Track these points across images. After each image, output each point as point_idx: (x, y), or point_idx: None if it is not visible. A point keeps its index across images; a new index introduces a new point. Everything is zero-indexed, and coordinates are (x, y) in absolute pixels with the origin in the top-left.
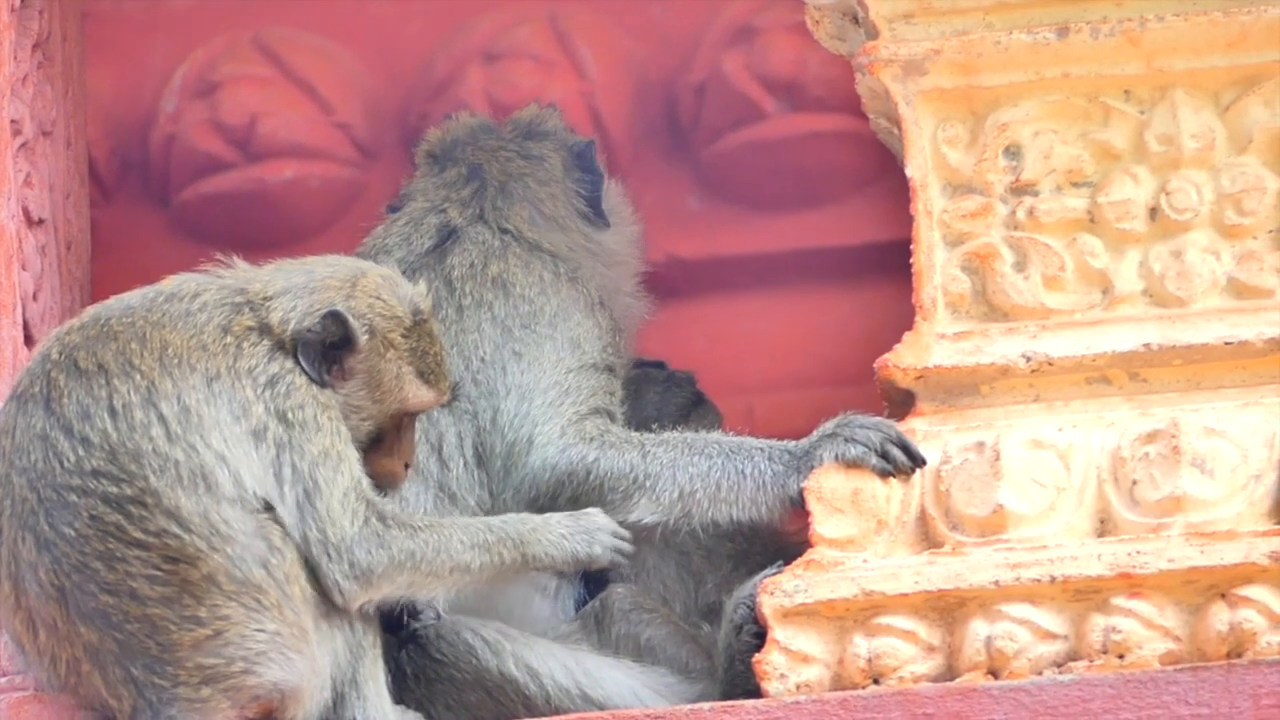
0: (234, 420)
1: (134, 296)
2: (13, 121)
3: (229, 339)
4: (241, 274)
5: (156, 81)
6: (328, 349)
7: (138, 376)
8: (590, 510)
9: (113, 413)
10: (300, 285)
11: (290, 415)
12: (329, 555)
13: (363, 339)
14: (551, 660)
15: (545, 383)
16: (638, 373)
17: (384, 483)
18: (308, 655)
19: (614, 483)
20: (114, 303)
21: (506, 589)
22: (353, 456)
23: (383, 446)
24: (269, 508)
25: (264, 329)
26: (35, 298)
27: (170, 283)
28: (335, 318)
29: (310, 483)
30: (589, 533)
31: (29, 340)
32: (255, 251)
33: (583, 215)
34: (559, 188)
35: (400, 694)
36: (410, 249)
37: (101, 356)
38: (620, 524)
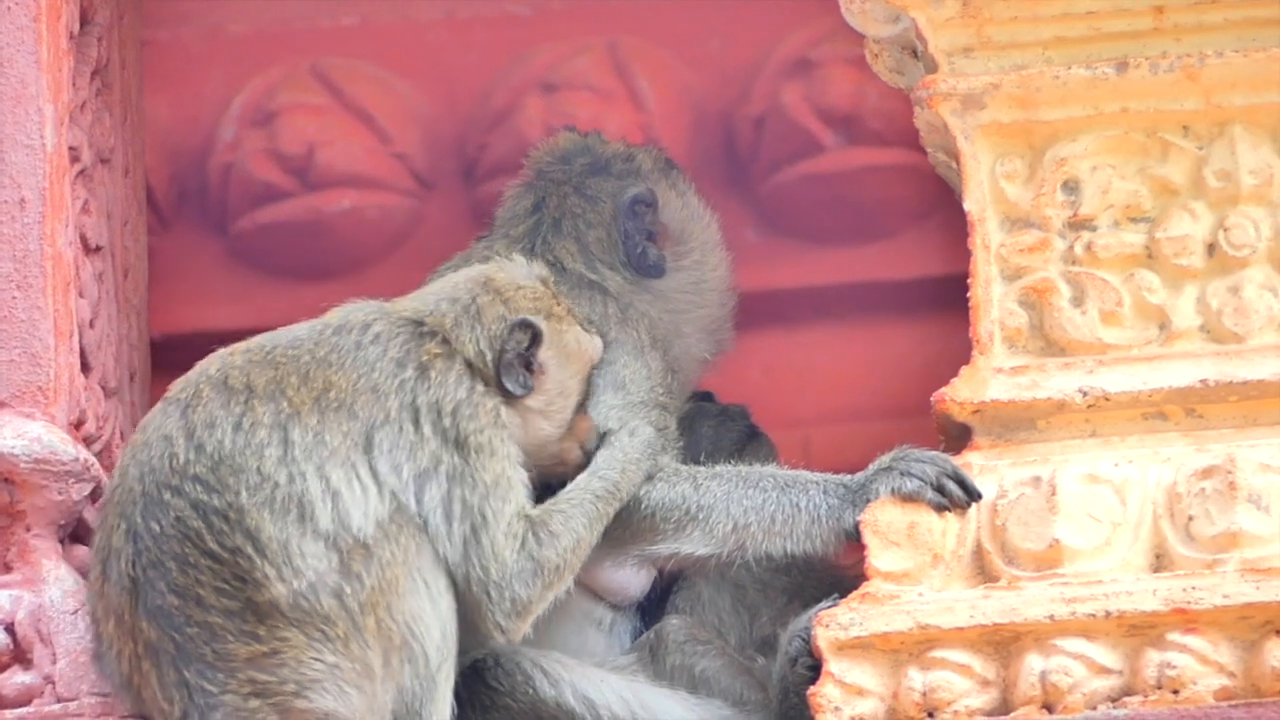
0: (392, 469)
1: (301, 328)
2: (71, 148)
3: (408, 372)
4: (404, 306)
5: (214, 110)
6: (520, 358)
7: (284, 404)
8: (634, 427)
9: (237, 428)
10: (462, 316)
11: (470, 440)
12: (489, 596)
13: (544, 327)
14: (608, 691)
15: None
16: (691, 406)
17: (586, 443)
18: (368, 693)
19: (666, 514)
20: (282, 333)
21: (562, 623)
22: (520, 479)
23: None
24: (364, 545)
25: (454, 354)
26: (92, 324)
27: (336, 314)
28: (524, 325)
29: (479, 517)
30: (651, 447)
31: (85, 367)
32: (313, 281)
33: (625, 264)
34: (604, 232)
35: None
36: None
37: (254, 379)
38: (673, 556)
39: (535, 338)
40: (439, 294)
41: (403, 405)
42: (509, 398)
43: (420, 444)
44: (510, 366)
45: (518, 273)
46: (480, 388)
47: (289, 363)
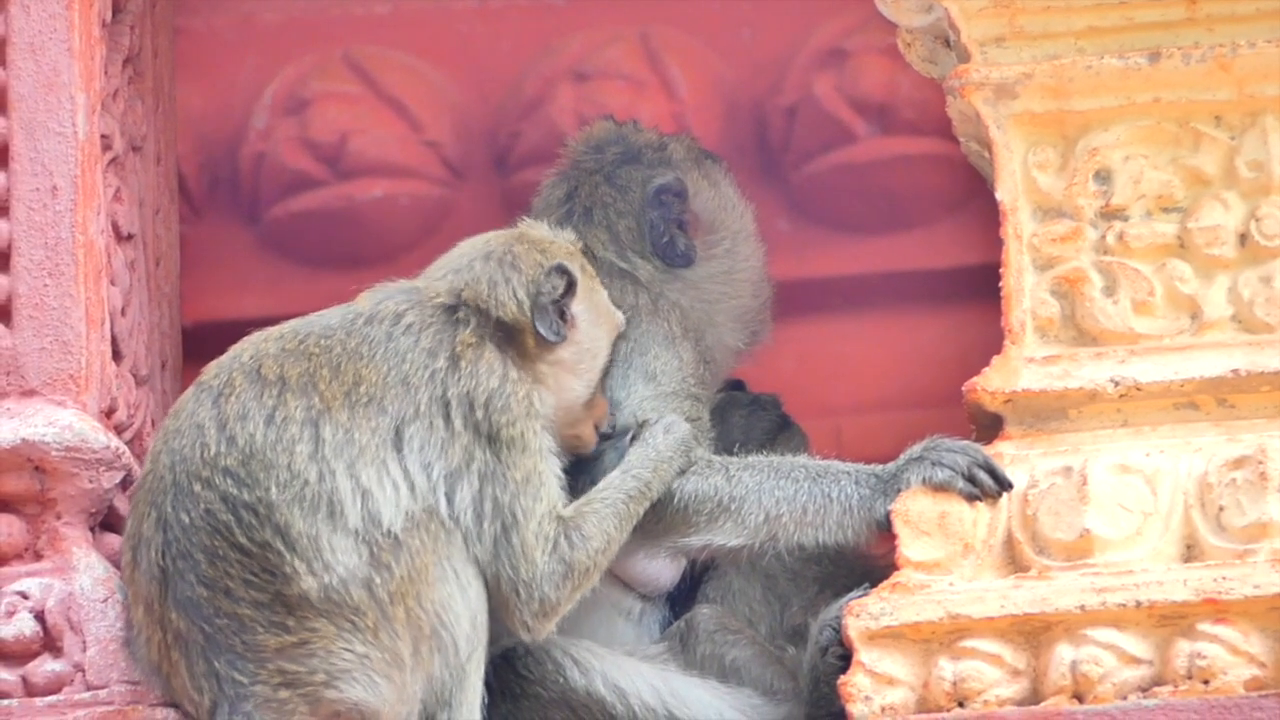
0: (422, 468)
1: (334, 315)
2: (103, 136)
3: (440, 362)
4: (433, 286)
5: (246, 98)
6: (554, 305)
7: (316, 399)
8: (669, 423)
9: (269, 421)
10: (496, 270)
11: (502, 433)
12: (519, 594)
13: (579, 277)
14: (639, 680)
15: (622, 413)
16: (723, 395)
17: (599, 424)
18: (397, 683)
19: (698, 506)
20: (315, 320)
21: (591, 613)
22: (553, 472)
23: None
24: (394, 538)
25: (488, 333)
26: (124, 313)
27: (368, 300)
28: (560, 270)
29: (509, 516)
30: (686, 444)
31: (117, 355)
32: (344, 270)
33: (654, 253)
34: (634, 221)
35: (485, 709)
36: None
37: (287, 371)
38: (706, 547)
39: (570, 286)
40: (471, 253)
41: (433, 398)
42: (541, 345)
43: (451, 440)
44: (544, 311)
45: (547, 231)
46: (514, 374)
47: (321, 354)
